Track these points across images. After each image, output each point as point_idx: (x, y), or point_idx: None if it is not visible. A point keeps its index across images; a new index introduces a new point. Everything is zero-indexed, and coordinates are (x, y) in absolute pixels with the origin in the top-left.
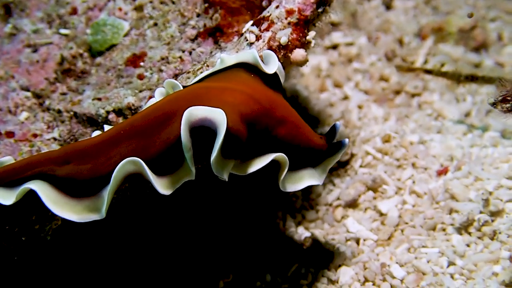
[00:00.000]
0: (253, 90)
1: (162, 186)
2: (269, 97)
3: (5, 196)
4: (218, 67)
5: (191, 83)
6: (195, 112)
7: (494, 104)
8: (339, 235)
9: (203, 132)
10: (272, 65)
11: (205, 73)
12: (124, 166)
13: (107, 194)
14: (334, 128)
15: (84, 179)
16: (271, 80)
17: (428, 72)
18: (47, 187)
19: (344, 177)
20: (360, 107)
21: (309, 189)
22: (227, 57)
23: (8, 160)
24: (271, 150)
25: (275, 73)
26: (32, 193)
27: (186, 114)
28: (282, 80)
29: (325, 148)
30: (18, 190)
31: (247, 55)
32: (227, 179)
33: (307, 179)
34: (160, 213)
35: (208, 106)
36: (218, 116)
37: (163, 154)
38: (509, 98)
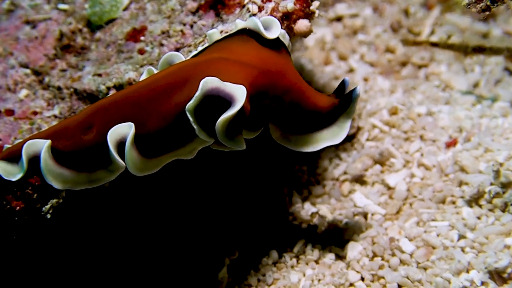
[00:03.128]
0: (263, 62)
1: (136, 165)
2: (277, 65)
3: (11, 171)
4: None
5: (200, 49)
6: (212, 81)
7: (468, 6)
8: (346, 210)
9: (215, 101)
10: (275, 30)
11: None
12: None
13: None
14: (343, 84)
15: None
16: (276, 44)
17: (435, 45)
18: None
19: (351, 151)
20: (366, 79)
21: (316, 164)
22: (240, 22)
23: None
24: (275, 116)
25: (278, 37)
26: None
27: (205, 80)
28: (286, 43)
29: (336, 103)
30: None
31: (249, 22)
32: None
33: (321, 141)
34: (165, 191)
35: (225, 79)
36: (239, 92)
37: (178, 117)
38: None
